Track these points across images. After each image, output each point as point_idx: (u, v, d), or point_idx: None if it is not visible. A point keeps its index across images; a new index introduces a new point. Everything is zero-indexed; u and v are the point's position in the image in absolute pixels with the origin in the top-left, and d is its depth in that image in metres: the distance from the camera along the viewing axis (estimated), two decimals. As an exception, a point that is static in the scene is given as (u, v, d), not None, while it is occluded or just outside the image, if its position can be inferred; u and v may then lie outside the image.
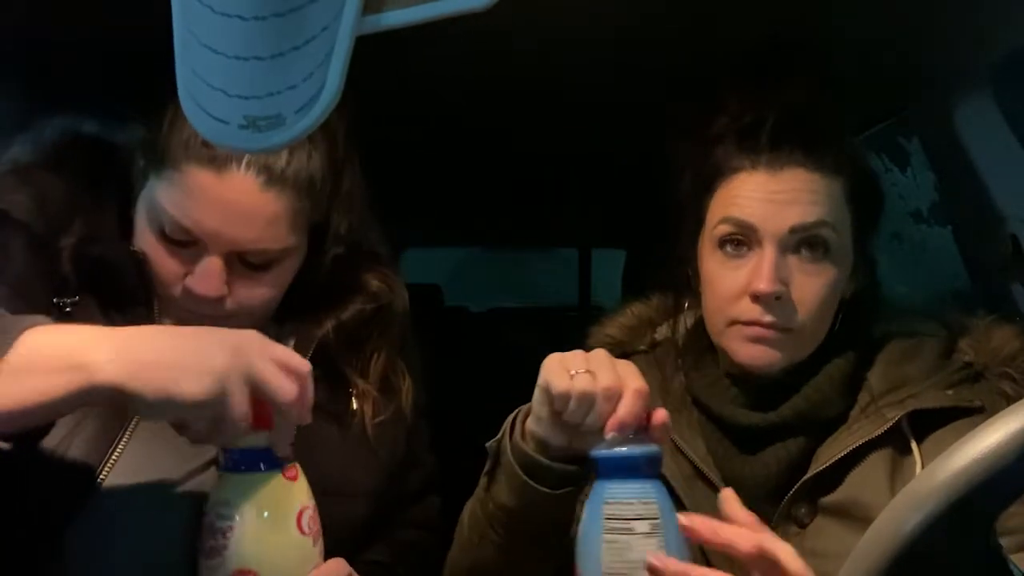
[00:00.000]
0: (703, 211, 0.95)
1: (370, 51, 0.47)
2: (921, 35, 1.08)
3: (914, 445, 0.87)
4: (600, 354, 0.82)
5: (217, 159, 0.88)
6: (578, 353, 0.83)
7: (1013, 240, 1.16)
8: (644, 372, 0.95)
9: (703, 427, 0.97)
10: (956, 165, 1.21)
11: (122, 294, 0.92)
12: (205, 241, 0.89)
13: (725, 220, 0.91)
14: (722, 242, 0.92)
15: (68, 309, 0.89)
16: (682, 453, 0.96)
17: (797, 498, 0.90)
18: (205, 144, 0.88)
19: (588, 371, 0.79)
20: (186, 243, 0.90)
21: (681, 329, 1.06)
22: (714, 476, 0.94)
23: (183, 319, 0.92)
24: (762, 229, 0.89)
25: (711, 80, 0.97)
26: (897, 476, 0.87)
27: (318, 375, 0.96)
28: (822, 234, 0.89)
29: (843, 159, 0.92)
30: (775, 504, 0.90)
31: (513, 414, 0.91)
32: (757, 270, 0.88)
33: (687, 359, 1.02)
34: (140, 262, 0.91)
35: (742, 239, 0.91)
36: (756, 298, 0.88)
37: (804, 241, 0.89)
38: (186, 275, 0.90)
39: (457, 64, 1.15)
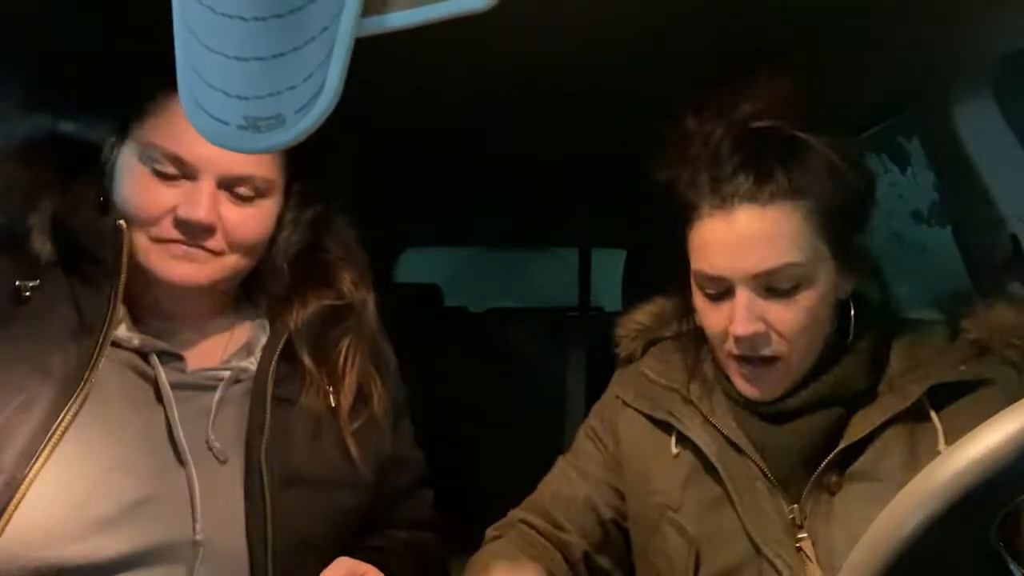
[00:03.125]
0: (686, 244, 0.98)
1: (370, 52, 0.47)
2: (921, 35, 1.08)
3: (933, 415, 0.92)
4: None
5: None
6: None
7: (1013, 240, 1.16)
8: (671, 355, 1.09)
9: (732, 407, 1.01)
10: (956, 165, 1.21)
11: (95, 267, 0.94)
12: (197, 167, 0.94)
13: (698, 273, 0.95)
14: (701, 289, 0.96)
15: (27, 293, 0.91)
16: (713, 426, 1.01)
17: (828, 468, 0.94)
18: None
19: None
20: (176, 176, 0.94)
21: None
22: (746, 446, 0.98)
23: (162, 285, 0.96)
24: (730, 277, 0.91)
25: (709, 82, 0.97)
26: (919, 443, 0.91)
27: (289, 369, 1.02)
28: (786, 274, 0.90)
29: (803, 181, 0.90)
30: (807, 472, 0.94)
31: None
32: (733, 314, 0.92)
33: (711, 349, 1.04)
34: (118, 231, 0.93)
35: (717, 287, 0.93)
36: (738, 339, 0.92)
37: (771, 281, 0.90)
38: (175, 208, 0.93)
39: (457, 64, 1.15)
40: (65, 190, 0.97)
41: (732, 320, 0.92)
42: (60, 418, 0.86)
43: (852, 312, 0.97)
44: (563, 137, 1.54)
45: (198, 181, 0.94)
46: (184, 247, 0.95)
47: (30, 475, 0.83)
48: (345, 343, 1.07)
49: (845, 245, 0.94)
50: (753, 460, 0.97)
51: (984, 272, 1.25)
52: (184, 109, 0.49)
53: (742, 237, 0.90)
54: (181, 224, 0.94)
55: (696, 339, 1.07)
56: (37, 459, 0.83)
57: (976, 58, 1.13)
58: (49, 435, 0.85)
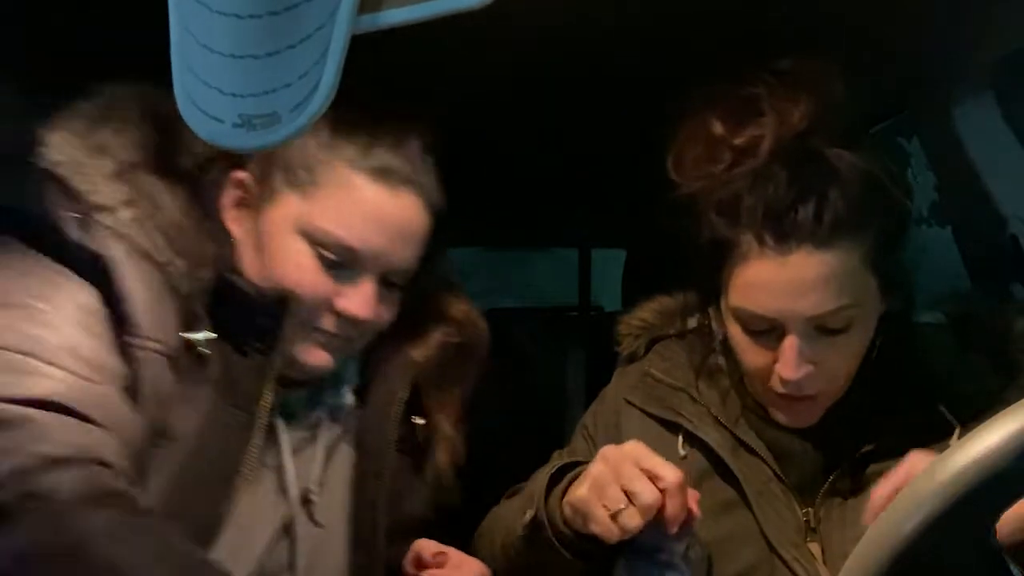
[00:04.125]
0: (719, 277, 0.91)
1: (367, 49, 0.47)
2: (921, 35, 1.08)
3: (954, 421, 0.90)
4: (627, 464, 0.81)
5: (384, 174, 0.86)
6: (605, 474, 0.82)
7: (1013, 240, 1.16)
8: (676, 354, 1.05)
9: (743, 409, 0.99)
10: (956, 165, 1.20)
11: (251, 338, 0.86)
12: (370, 259, 0.86)
13: (742, 311, 0.88)
14: (743, 326, 0.90)
15: (201, 350, 0.82)
16: (724, 426, 0.99)
17: (842, 474, 0.93)
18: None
19: (628, 503, 0.80)
20: (342, 264, 0.86)
21: (714, 322, 1.04)
22: (759, 447, 0.96)
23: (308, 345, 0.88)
24: (780, 319, 0.86)
25: (710, 81, 0.96)
26: (937, 451, 0.89)
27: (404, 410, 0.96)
28: (841, 315, 0.85)
29: (862, 213, 0.84)
30: (822, 475, 0.94)
31: (551, 467, 0.95)
32: (781, 356, 0.87)
33: (726, 350, 1.01)
34: (284, 304, 0.85)
35: (763, 328, 0.88)
36: (784, 380, 0.88)
37: (824, 323, 0.85)
38: (336, 296, 0.87)
39: (456, 64, 1.15)
40: (198, 210, 0.86)
41: (780, 363, 0.87)
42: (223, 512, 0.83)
43: (880, 330, 0.92)
44: (563, 137, 1.53)
45: (365, 276, 0.87)
46: (328, 336, 0.88)
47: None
48: (457, 380, 1.02)
49: (890, 269, 0.89)
50: (766, 461, 0.95)
51: (984, 272, 1.25)
52: (179, 107, 0.48)
53: (798, 281, 0.83)
54: (342, 315, 0.87)
55: (702, 337, 1.05)
56: None
57: (976, 58, 1.12)
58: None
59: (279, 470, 0.89)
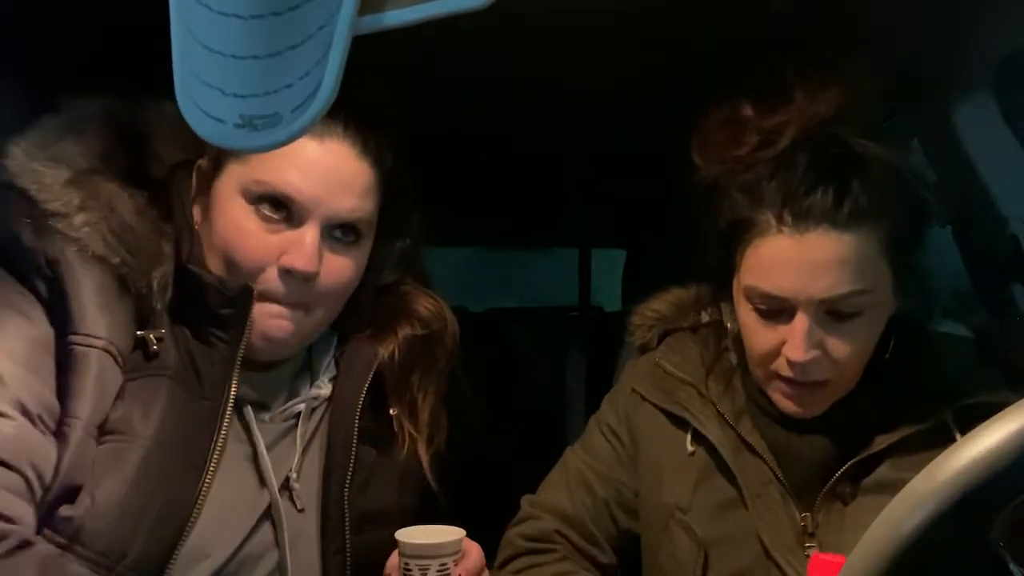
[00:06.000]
0: (734, 258, 0.92)
1: (368, 50, 0.47)
2: (921, 35, 1.08)
3: (958, 436, 0.89)
4: None
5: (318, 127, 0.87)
6: None
7: (1013, 240, 1.16)
8: (688, 347, 1.04)
9: (749, 408, 0.99)
10: (956, 165, 1.20)
11: (215, 329, 0.88)
12: (307, 208, 0.87)
13: (754, 289, 0.89)
14: (754, 305, 0.91)
15: (155, 347, 0.85)
16: (729, 425, 0.98)
17: (842, 479, 0.92)
18: None
19: None
20: (282, 220, 0.88)
21: (727, 317, 1.05)
22: (762, 449, 0.96)
23: (260, 327, 0.89)
24: (792, 299, 0.86)
25: (710, 81, 0.96)
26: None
27: (367, 403, 0.98)
28: (853, 300, 0.86)
29: (881, 201, 0.85)
30: (821, 480, 0.93)
31: None
32: (790, 337, 0.87)
33: (738, 347, 1.01)
34: (247, 294, 0.87)
35: (773, 307, 0.89)
36: (791, 362, 0.88)
37: (836, 306, 0.86)
38: (280, 255, 0.88)
39: (457, 64, 1.15)
40: (160, 214, 0.89)
41: (788, 344, 0.87)
42: (196, 499, 0.84)
43: (894, 330, 0.93)
44: (563, 137, 1.54)
45: (306, 227, 0.88)
46: (280, 307, 0.89)
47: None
48: (423, 376, 1.03)
49: (906, 264, 0.90)
50: (768, 464, 0.95)
51: (984, 272, 1.25)
52: (181, 107, 0.48)
53: (813, 261, 0.84)
54: (286, 271, 0.88)
55: (715, 332, 1.05)
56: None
57: (976, 58, 1.12)
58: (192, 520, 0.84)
59: (256, 459, 0.91)
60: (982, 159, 1.18)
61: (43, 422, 0.78)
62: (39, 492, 0.77)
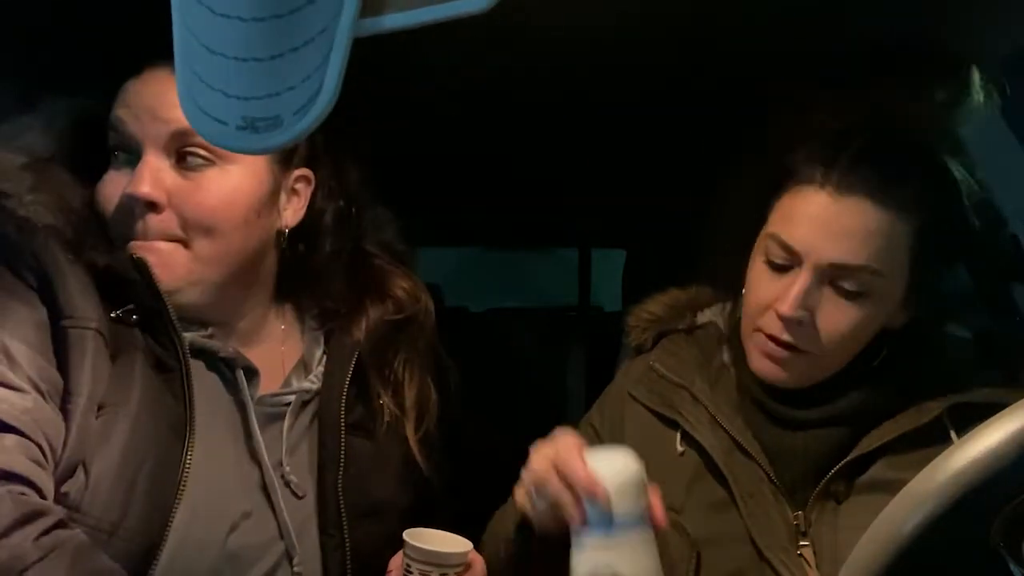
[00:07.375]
0: (767, 209, 0.94)
1: (369, 52, 0.47)
2: (922, 35, 1.08)
3: (953, 435, 0.89)
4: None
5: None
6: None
7: (1013, 240, 1.16)
8: (683, 349, 1.05)
9: (743, 406, 0.99)
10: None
11: (136, 293, 0.90)
12: (131, 135, 0.90)
13: (774, 237, 0.90)
14: (767, 255, 0.92)
15: (134, 325, 0.88)
16: (721, 427, 0.99)
17: (836, 477, 0.92)
18: None
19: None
20: (120, 154, 0.91)
21: (732, 314, 1.06)
22: (754, 449, 0.96)
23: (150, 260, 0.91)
24: (804, 255, 0.88)
25: (710, 81, 0.97)
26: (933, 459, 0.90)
27: (354, 391, 0.98)
28: (861, 277, 0.87)
29: (922, 198, 0.88)
30: (814, 479, 0.93)
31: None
32: (785, 292, 0.89)
33: (734, 344, 1.02)
34: (140, 262, 0.88)
35: (785, 261, 0.90)
36: (779, 316, 0.89)
37: (842, 277, 0.88)
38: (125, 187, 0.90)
39: (457, 64, 1.15)
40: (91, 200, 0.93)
41: (781, 298, 0.89)
42: (183, 462, 0.86)
43: (885, 342, 0.94)
44: (563, 137, 1.54)
45: (144, 154, 0.90)
46: (141, 242, 0.90)
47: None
48: (403, 359, 1.04)
49: (925, 272, 0.91)
50: (760, 464, 0.95)
51: (984, 272, 1.25)
52: (183, 109, 0.49)
53: (840, 224, 0.86)
54: (127, 204, 0.90)
55: (709, 335, 1.06)
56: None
57: (976, 58, 1.12)
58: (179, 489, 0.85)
59: (247, 425, 0.93)
60: (982, 159, 1.18)
61: (52, 399, 0.81)
62: (51, 466, 0.80)
